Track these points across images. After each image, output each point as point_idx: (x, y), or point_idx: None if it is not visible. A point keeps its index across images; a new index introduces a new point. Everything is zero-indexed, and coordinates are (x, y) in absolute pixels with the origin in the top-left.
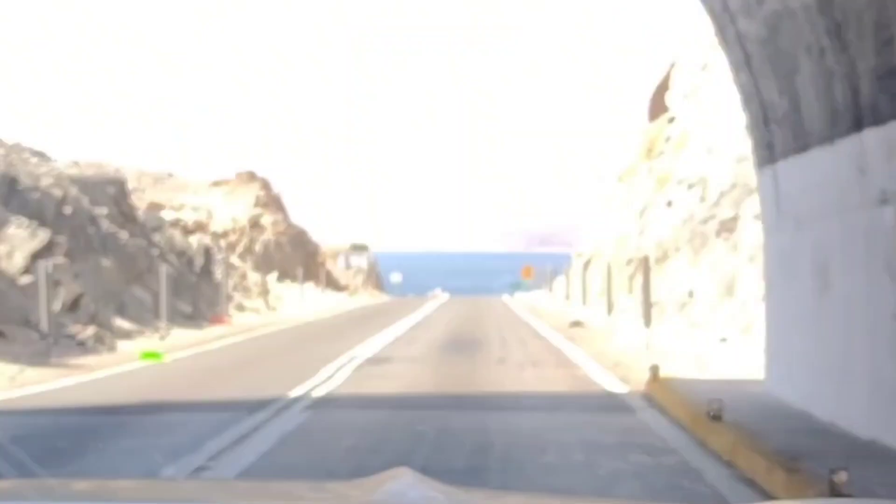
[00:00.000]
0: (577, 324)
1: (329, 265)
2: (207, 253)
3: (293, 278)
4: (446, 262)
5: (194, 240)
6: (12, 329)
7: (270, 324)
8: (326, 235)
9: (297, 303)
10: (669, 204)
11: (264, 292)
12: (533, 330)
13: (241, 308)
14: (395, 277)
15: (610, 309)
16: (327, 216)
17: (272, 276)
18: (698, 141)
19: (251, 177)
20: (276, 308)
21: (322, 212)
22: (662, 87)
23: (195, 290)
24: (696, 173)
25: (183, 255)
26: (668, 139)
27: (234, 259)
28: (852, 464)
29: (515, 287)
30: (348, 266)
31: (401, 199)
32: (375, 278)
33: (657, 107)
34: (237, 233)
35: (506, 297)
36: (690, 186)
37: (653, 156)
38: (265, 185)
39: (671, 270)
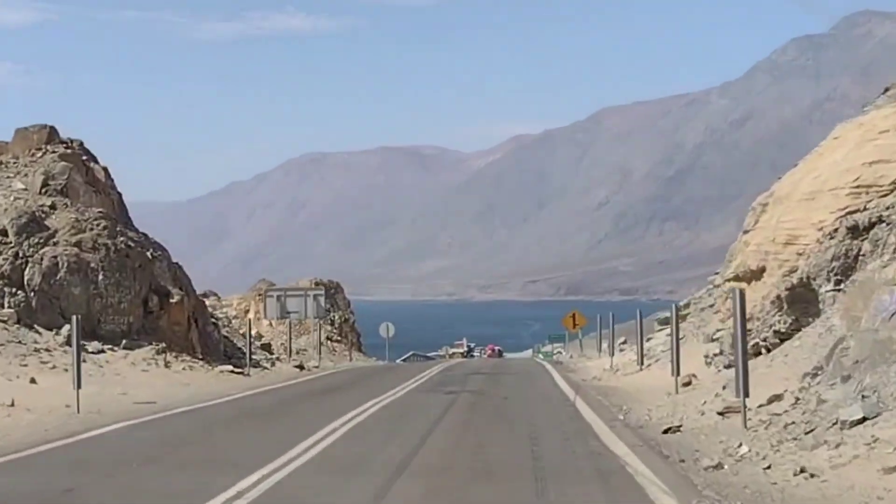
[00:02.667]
0: None
1: (252, 315)
2: None
3: (107, 336)
4: (471, 310)
5: None
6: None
7: None
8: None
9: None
10: None
11: None
12: None
13: None
14: (387, 329)
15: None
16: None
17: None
18: None
19: (48, 136)
20: None
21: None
22: None
23: None
24: None
25: None
26: None
27: None
28: None
29: (556, 340)
30: (283, 315)
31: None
32: (351, 334)
33: None
34: None
35: (548, 367)
36: None
37: None
38: (75, 155)
39: None
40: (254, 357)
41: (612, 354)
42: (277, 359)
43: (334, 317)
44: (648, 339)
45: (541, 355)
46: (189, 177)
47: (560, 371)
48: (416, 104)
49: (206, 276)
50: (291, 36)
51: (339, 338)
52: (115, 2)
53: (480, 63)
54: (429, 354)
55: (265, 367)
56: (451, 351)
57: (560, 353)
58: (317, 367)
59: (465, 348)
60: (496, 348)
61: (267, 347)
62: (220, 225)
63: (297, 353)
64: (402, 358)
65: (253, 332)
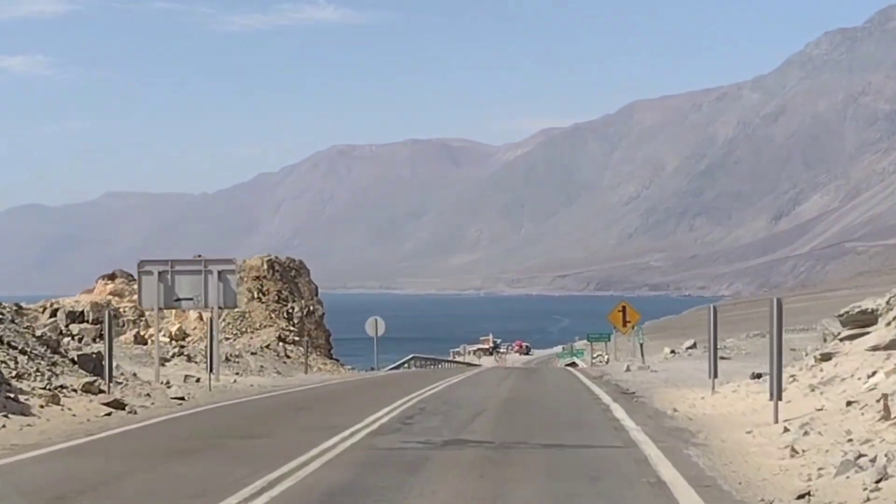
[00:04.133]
0: None
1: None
2: None
3: None
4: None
5: None
6: None
7: None
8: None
9: None
10: None
11: None
12: None
13: None
14: (374, 326)
15: None
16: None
17: None
18: None
19: None
20: None
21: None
22: None
23: None
24: None
25: None
26: None
27: None
28: None
29: (596, 338)
30: (170, 303)
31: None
32: (317, 332)
33: None
34: None
35: (595, 388)
36: None
37: None
38: None
39: None
40: (131, 374)
41: (714, 376)
42: (165, 383)
43: (292, 308)
44: (727, 351)
45: (574, 357)
46: (217, 169)
47: (620, 399)
48: (446, 96)
49: None
50: (322, 28)
51: (297, 337)
52: None
53: (510, 56)
54: (439, 358)
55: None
56: (475, 348)
57: (601, 357)
58: (237, 383)
59: (492, 344)
60: (524, 344)
61: (184, 353)
62: (247, 217)
63: (232, 359)
64: (395, 365)
65: (173, 330)
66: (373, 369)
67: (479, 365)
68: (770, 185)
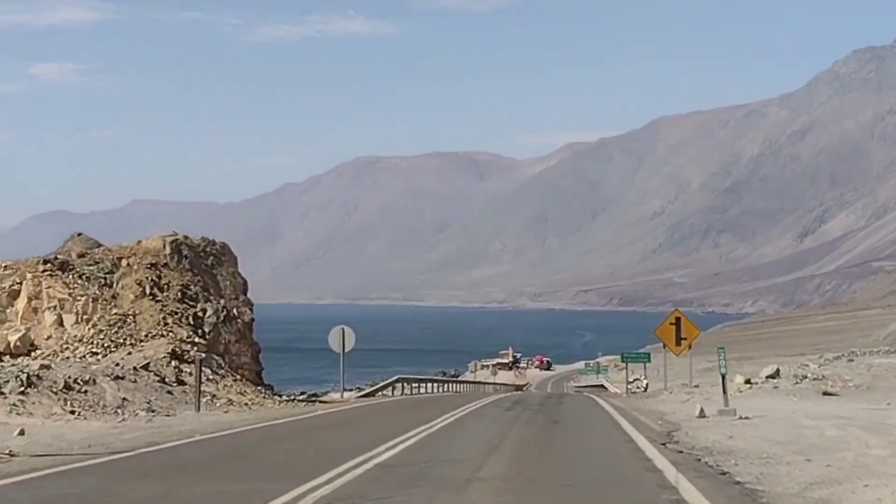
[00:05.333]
0: None
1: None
2: None
3: None
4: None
5: None
6: None
7: None
8: None
9: None
10: None
11: None
12: None
13: None
14: (340, 339)
15: None
16: None
17: None
18: None
19: None
20: None
21: None
22: None
23: None
24: None
25: None
26: None
27: None
28: None
29: (633, 359)
30: None
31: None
32: (241, 346)
33: None
34: None
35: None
36: None
37: None
38: None
39: None
40: None
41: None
42: None
43: (203, 311)
44: (826, 384)
45: (600, 376)
46: (243, 178)
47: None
48: (472, 109)
49: (256, 277)
50: (350, 39)
51: (205, 353)
52: (177, 3)
53: (537, 70)
54: (435, 378)
55: None
56: (493, 363)
57: (639, 382)
58: (26, 436)
59: (512, 358)
60: (545, 359)
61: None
62: (272, 226)
63: (77, 387)
64: (371, 390)
65: (13, 339)
66: (314, 399)
67: (491, 384)
68: (796, 202)
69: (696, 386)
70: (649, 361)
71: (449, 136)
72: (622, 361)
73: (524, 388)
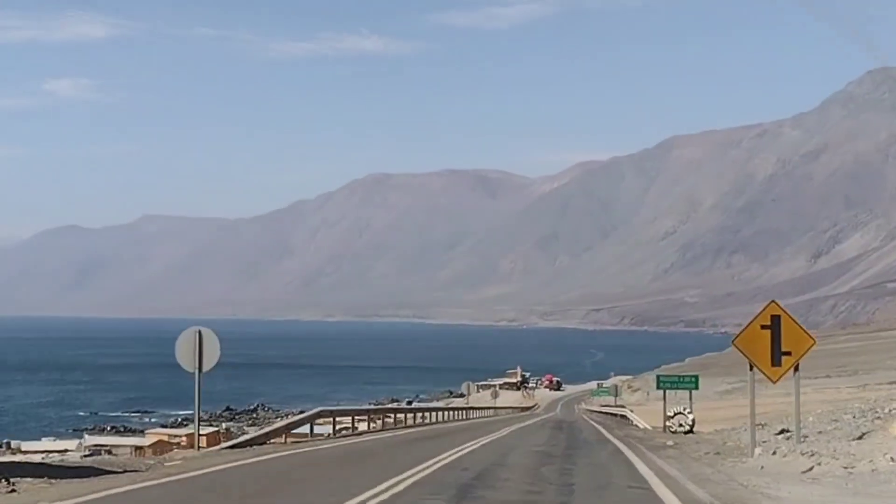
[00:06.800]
0: None
1: None
2: None
3: None
4: (532, 336)
5: None
6: None
7: None
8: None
9: None
10: None
11: None
12: None
13: None
14: (196, 347)
15: None
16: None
17: None
18: None
19: None
20: None
21: None
22: None
23: None
24: None
25: None
26: None
27: None
28: None
29: (672, 384)
30: None
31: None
32: None
33: None
34: None
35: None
36: None
37: None
38: None
39: None
40: None
41: None
42: None
43: None
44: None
45: (619, 399)
46: (254, 194)
47: None
48: (483, 127)
49: (266, 293)
50: (362, 57)
51: None
52: (191, 19)
53: (548, 88)
54: (399, 408)
55: None
56: (499, 382)
57: (683, 416)
58: None
59: (520, 378)
60: (554, 379)
61: None
62: (283, 243)
63: None
64: (268, 430)
65: None
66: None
67: (489, 410)
68: (809, 223)
69: (806, 437)
70: (696, 388)
71: (460, 153)
72: (658, 388)
73: (532, 410)
